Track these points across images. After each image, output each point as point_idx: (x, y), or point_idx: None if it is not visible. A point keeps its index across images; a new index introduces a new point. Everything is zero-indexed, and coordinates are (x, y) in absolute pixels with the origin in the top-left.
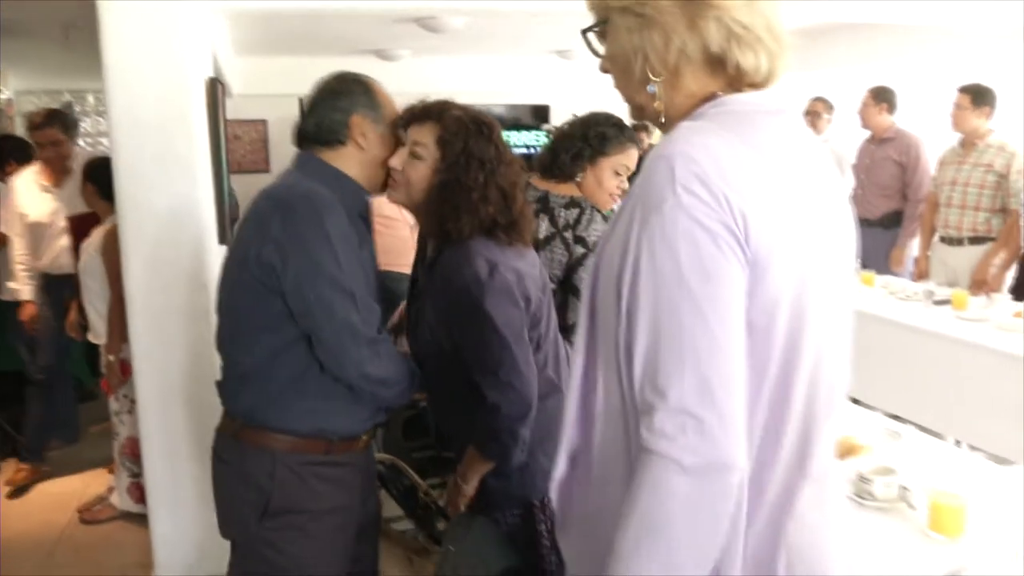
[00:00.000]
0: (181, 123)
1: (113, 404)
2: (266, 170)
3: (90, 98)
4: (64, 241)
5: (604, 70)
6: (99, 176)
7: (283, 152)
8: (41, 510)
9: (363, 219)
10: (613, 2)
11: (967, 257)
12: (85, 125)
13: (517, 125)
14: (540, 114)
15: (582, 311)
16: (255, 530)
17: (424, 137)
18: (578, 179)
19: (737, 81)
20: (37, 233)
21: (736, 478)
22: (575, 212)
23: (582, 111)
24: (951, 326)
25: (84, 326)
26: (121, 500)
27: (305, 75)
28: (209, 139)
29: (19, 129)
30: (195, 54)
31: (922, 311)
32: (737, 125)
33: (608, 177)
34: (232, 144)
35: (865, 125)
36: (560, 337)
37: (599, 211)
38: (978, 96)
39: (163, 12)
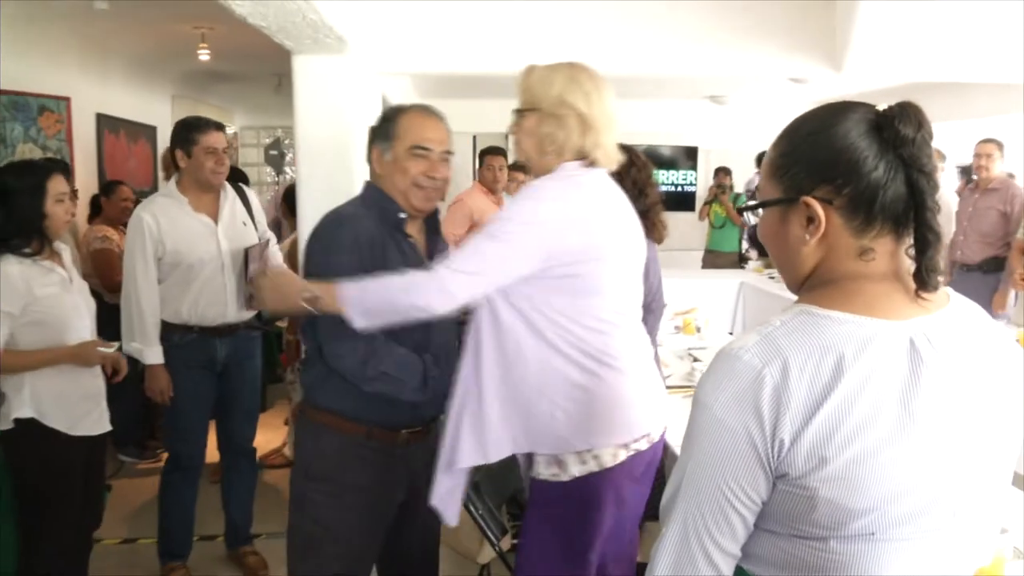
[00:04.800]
0: (343, 161)
1: (289, 375)
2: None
3: None
4: None
5: (514, 132)
6: (289, 197)
7: (458, 182)
8: None
9: (398, 229)
10: (544, 105)
11: None
12: (290, 155)
13: (668, 164)
14: (690, 155)
15: None
16: (301, 487)
17: None
18: None
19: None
20: None
21: None
22: None
23: (731, 152)
24: None
25: (275, 317)
26: (290, 451)
27: (477, 115)
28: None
29: (243, 158)
30: (361, 105)
31: None
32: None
33: None
34: None
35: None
36: None
37: None
38: None
39: (336, 72)
